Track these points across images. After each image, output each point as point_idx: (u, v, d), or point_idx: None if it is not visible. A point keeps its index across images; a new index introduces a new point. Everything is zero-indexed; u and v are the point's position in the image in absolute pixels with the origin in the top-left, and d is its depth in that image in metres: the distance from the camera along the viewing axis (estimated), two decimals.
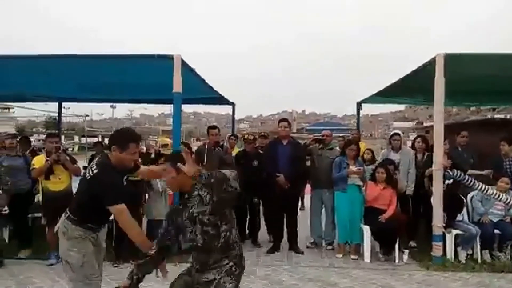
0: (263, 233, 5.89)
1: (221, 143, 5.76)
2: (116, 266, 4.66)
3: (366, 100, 8.44)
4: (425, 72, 5.15)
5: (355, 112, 9.63)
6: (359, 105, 8.71)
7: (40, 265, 4.65)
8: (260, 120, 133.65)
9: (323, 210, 5.68)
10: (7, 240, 5.17)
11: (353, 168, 5.07)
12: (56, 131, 9.57)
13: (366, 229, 5.03)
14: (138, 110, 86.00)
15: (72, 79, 6.60)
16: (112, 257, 4.71)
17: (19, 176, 4.93)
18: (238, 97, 9.13)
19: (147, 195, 5.31)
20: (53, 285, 4.10)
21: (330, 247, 5.48)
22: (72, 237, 2.65)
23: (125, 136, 2.68)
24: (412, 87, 6.60)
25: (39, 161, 4.74)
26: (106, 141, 8.12)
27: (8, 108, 42.10)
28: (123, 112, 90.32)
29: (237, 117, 10.12)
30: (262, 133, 7.15)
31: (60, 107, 9.49)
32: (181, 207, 2.36)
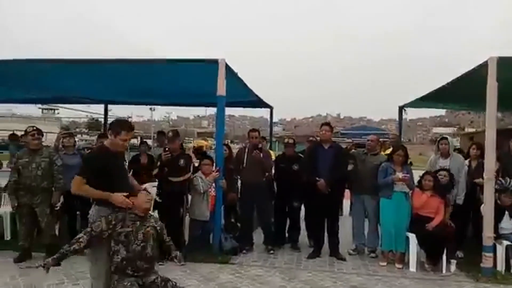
0: (302, 237, 5.85)
1: (260, 145, 5.76)
2: (161, 264, 4.77)
3: (409, 104, 8.20)
4: (474, 76, 4.95)
5: (392, 116, 9.44)
6: (401, 109, 8.46)
7: None
8: (294, 124, 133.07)
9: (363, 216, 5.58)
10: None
11: (399, 174, 4.92)
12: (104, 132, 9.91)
13: (412, 237, 4.89)
14: (175, 112, 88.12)
15: (119, 83, 6.87)
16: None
17: (74, 174, 5.15)
18: (271, 99, 9.05)
19: (189, 196, 5.41)
20: None
21: (373, 255, 5.35)
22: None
23: (119, 124, 3.28)
24: (460, 92, 6.35)
25: None
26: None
27: (54, 109, 44.39)
28: (161, 114, 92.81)
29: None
30: (311, 138, 7.10)
31: (106, 109, 9.87)
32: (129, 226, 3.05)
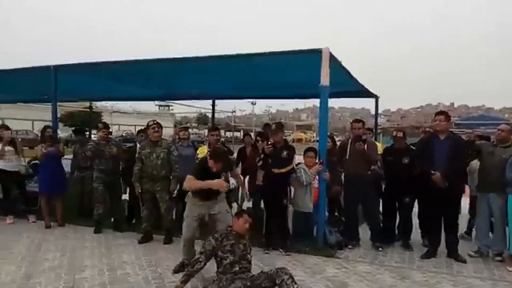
0: (414, 235, 5.42)
1: (364, 137, 5.48)
2: (266, 253, 4.92)
3: None
4: None
5: None
6: None
7: None
8: (400, 114, 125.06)
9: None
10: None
11: None
12: (217, 126, 10.53)
13: None
14: (274, 106, 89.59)
15: (225, 78, 7.20)
16: (263, 244, 5.04)
17: (188, 163, 5.56)
18: (375, 88, 8.49)
19: (292, 187, 5.42)
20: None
21: (498, 258, 4.73)
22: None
23: (212, 154, 4.09)
24: None
25: (202, 151, 5.33)
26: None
27: (169, 106, 48.73)
28: (261, 108, 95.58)
29: (373, 111, 9.60)
30: (427, 128, 6.59)
31: (213, 104, 10.47)
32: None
